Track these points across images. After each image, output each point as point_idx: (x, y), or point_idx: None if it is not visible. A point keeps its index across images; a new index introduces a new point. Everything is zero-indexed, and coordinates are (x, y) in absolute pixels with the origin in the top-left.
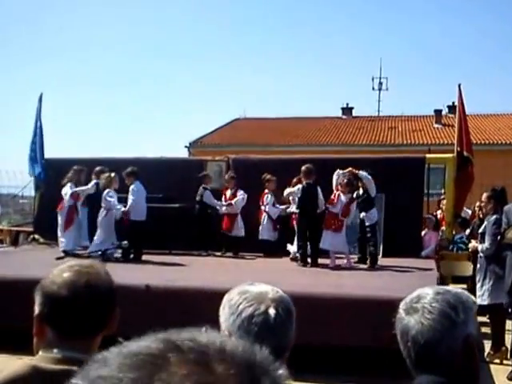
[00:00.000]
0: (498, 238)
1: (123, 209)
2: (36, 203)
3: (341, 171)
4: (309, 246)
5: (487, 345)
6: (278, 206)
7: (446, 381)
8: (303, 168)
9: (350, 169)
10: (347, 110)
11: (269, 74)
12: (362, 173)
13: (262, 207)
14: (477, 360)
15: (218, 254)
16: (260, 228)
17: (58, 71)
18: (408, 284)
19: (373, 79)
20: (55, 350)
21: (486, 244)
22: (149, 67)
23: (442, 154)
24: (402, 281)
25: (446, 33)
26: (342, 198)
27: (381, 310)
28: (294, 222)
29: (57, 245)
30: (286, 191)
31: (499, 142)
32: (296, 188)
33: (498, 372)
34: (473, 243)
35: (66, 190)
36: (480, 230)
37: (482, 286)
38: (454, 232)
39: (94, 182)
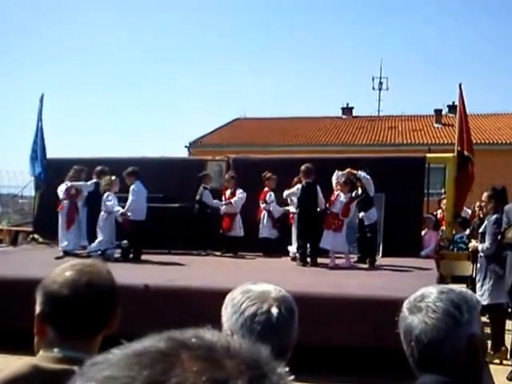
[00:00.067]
0: (499, 237)
1: (122, 210)
2: (36, 203)
3: (340, 172)
4: (308, 246)
5: (487, 345)
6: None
7: (449, 380)
8: (303, 167)
9: (349, 169)
10: (347, 110)
11: (269, 74)
12: (361, 173)
13: (263, 205)
14: (481, 359)
15: (218, 253)
16: (260, 226)
17: (59, 75)
18: (408, 284)
19: (373, 79)
20: (56, 350)
21: (487, 244)
22: (149, 71)
23: (442, 153)
24: (402, 280)
25: (446, 34)
26: (342, 197)
27: (381, 309)
28: (292, 222)
29: (56, 244)
30: (286, 192)
31: (499, 141)
32: (295, 188)
33: (498, 372)
34: (473, 243)
35: (62, 187)
36: (480, 230)
37: (482, 285)
38: (454, 232)
39: (93, 180)
